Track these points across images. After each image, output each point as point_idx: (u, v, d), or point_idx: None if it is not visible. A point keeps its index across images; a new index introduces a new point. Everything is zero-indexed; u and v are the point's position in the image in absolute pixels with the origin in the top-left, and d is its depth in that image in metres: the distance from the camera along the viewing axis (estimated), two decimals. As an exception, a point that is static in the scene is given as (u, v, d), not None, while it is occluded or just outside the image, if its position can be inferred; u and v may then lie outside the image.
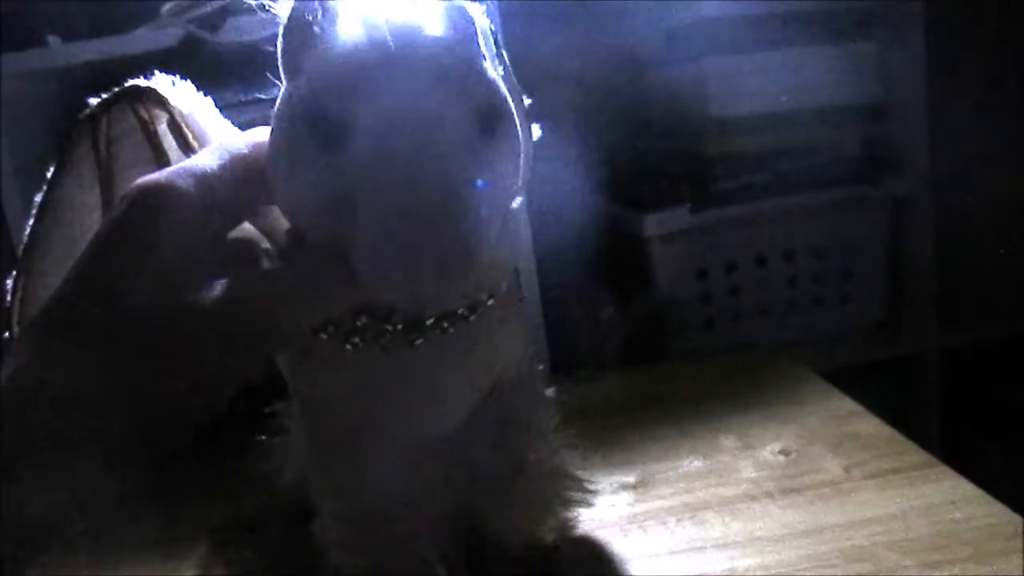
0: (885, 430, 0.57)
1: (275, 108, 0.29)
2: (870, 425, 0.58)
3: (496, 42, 0.31)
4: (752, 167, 0.84)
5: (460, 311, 0.32)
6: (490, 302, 0.33)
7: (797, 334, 0.86)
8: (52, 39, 0.71)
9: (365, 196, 0.25)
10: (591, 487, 0.45)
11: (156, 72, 0.33)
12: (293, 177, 0.28)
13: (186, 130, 0.32)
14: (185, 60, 0.69)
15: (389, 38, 0.26)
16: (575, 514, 0.45)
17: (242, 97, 0.63)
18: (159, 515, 0.59)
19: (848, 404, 0.62)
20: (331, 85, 0.27)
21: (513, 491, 0.40)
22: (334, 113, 0.26)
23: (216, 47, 0.70)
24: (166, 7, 0.71)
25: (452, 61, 0.26)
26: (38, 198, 0.35)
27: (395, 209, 0.25)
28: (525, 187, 0.33)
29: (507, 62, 0.32)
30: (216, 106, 0.34)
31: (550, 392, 0.45)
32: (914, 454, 0.53)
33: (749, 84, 0.83)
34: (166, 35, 0.69)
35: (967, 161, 0.88)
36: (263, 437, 0.45)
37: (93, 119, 0.33)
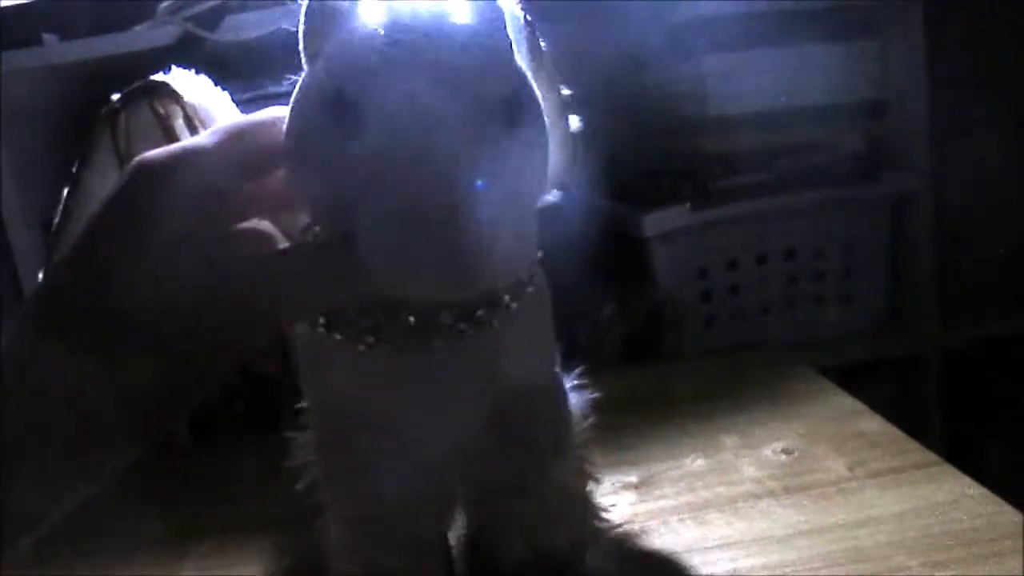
0: (889, 429, 0.56)
1: (294, 94, 0.28)
2: (873, 423, 0.57)
3: (533, 33, 0.30)
4: (753, 165, 0.83)
5: (479, 312, 0.31)
6: (513, 305, 0.32)
7: (798, 333, 0.86)
8: (48, 37, 0.70)
9: (371, 183, 0.25)
10: (604, 513, 0.44)
11: (172, 67, 0.33)
12: (306, 161, 0.27)
13: (198, 125, 0.32)
14: (182, 58, 0.68)
15: (411, 22, 0.25)
16: (586, 534, 0.43)
17: (239, 95, 0.63)
18: (159, 515, 0.59)
19: (850, 402, 0.61)
20: (348, 66, 0.26)
21: (520, 508, 0.39)
22: (348, 94, 0.26)
23: (214, 45, 0.69)
24: (163, 5, 0.71)
25: (476, 49, 0.26)
26: (64, 194, 0.34)
27: (398, 199, 0.24)
28: (571, 181, 0.33)
29: (543, 53, 0.31)
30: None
31: (580, 410, 0.42)
32: (918, 453, 0.53)
33: (749, 82, 0.82)
34: (163, 33, 0.69)
35: (969, 159, 0.87)
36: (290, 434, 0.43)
37: (113, 114, 0.32)
